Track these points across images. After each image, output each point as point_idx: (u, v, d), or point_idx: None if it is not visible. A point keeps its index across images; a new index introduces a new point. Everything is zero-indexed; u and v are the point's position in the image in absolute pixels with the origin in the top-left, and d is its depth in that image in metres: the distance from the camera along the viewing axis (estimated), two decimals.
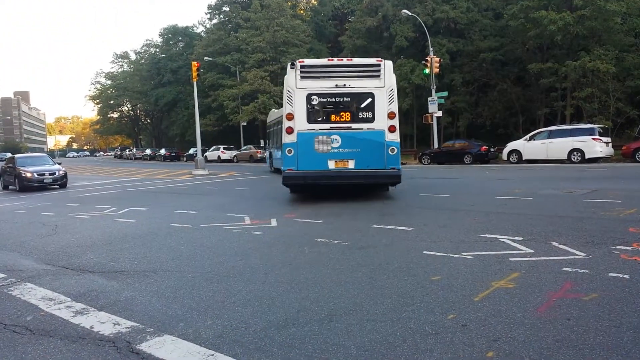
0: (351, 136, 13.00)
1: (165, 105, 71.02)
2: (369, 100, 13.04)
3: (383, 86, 13.01)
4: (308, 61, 13.69)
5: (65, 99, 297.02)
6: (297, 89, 13.15)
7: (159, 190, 20.57)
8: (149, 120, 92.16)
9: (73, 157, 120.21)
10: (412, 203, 12.41)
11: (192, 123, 45.81)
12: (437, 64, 35.55)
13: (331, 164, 13.05)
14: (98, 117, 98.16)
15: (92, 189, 22.17)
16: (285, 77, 13.43)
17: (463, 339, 4.25)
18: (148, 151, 70.89)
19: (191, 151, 55.64)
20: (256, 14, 53.45)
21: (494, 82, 41.91)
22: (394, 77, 13.27)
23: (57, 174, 23.62)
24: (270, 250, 7.84)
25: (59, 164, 25.76)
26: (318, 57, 52.12)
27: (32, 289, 6.33)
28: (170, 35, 75.77)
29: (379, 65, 13.13)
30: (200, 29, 74.27)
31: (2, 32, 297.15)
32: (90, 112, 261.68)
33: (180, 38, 75.34)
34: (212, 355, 4.18)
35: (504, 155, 28.23)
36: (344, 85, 13.08)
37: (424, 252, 7.15)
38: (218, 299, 5.58)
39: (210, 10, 65.17)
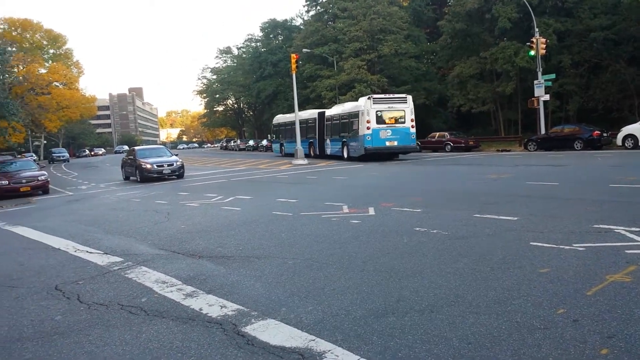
0: (396, 130, 27.78)
1: (266, 98, 72.96)
2: (402, 113, 27.89)
3: (408, 107, 28.01)
4: (376, 95, 28.35)
5: (175, 94, 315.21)
6: (371, 109, 27.69)
7: (261, 179, 21.21)
8: (251, 113, 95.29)
9: (183, 148, 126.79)
10: (517, 192, 11.87)
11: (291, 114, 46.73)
12: (544, 45, 33.59)
13: (387, 143, 27.79)
14: (205, 111, 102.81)
15: (201, 179, 23.18)
16: (364, 103, 28.14)
17: (574, 335, 4.02)
18: (251, 142, 73.30)
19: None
20: (353, 3, 53.26)
21: (606, 62, 38.89)
22: (412, 102, 28.35)
23: (174, 165, 24.27)
24: (369, 238, 7.81)
25: (176, 155, 26.65)
26: (416, 44, 51.58)
27: (146, 272, 6.75)
28: (269, 29, 77.66)
29: (406, 96, 28.54)
30: (298, 22, 75.44)
31: (117, 33, 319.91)
32: (197, 105, 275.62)
33: (279, 31, 77.01)
34: (314, 340, 4.22)
35: (619, 141, 26.38)
36: (391, 107, 27.90)
37: (531, 243, 6.80)
38: (318, 285, 5.64)
39: (307, 2, 65.87)
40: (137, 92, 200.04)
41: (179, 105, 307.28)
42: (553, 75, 34.34)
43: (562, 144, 28.51)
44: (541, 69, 33.47)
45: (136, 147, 28.40)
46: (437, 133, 38.77)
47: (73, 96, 67.15)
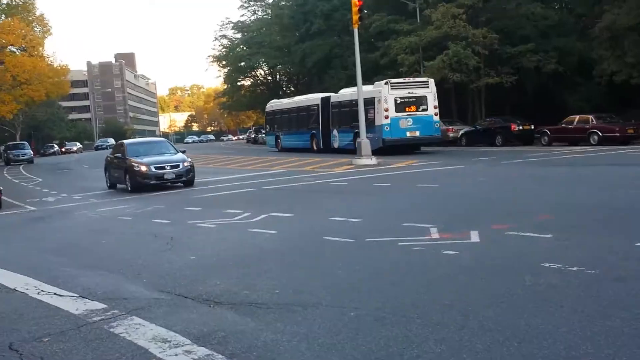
0: (417, 119, 35.37)
1: (315, 65, 73.22)
2: (425, 100, 35.68)
3: (431, 92, 36.10)
4: (394, 80, 36.63)
5: (182, 63, 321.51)
6: (389, 95, 35.01)
7: (307, 188, 21.37)
8: (292, 88, 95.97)
9: (193, 142, 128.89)
10: None
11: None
12: None
13: (408, 134, 35.34)
14: (224, 87, 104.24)
15: (219, 187, 23.58)
16: (381, 88, 35.71)
17: None
18: None
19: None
20: None
21: None
22: (435, 87, 36.45)
23: (180, 166, 24.64)
24: (471, 279, 7.76)
25: (183, 151, 27.15)
26: None
27: (140, 325, 6.82)
28: None
29: (427, 81, 36.92)
30: None
31: None
32: (214, 79, 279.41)
33: None
34: None
35: None
36: (412, 92, 35.63)
37: None
38: (394, 350, 5.58)
39: None
40: (127, 60, 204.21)
41: (187, 79, 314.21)
42: None
43: None
44: None
45: (126, 141, 28.90)
46: (577, 117, 37.73)
47: (36, 66, 66.49)
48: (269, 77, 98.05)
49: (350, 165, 29.84)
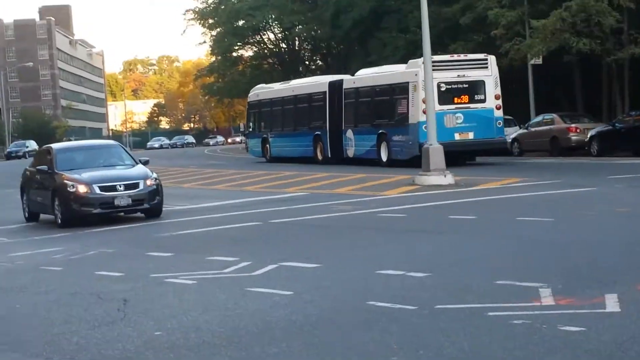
0: (470, 114, 39.85)
1: (356, 26, 73.20)
2: (481, 86, 40.19)
3: (490, 75, 40.68)
4: (437, 57, 37.55)
5: (144, 25, 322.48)
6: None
7: (341, 222, 21.33)
8: (319, 62, 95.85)
9: (161, 147, 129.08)
10: None
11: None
12: None
13: (457, 136, 39.38)
14: (212, 60, 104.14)
15: (201, 220, 23.65)
16: (417, 70, 37.82)
17: None
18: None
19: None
20: None
21: None
22: (496, 67, 41.18)
23: (141, 186, 24.53)
24: None
25: (145, 162, 27.09)
26: None
27: None
28: None
29: (486, 59, 41.62)
30: None
31: None
32: (194, 48, 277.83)
33: None
34: None
35: None
36: (463, 75, 40.00)
37: None
38: None
39: None
40: (58, 17, 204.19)
41: (152, 47, 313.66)
42: None
43: None
44: None
45: (55, 146, 29.13)
46: None
47: None
48: (283, 45, 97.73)
49: (412, 186, 29.93)
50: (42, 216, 26.21)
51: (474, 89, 38.53)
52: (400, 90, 38.10)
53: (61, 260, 17.57)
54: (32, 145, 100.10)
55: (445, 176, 30.68)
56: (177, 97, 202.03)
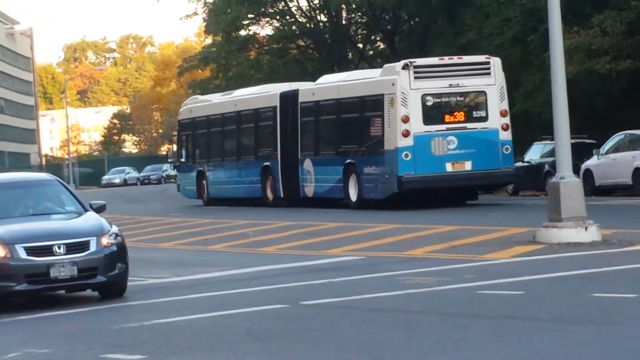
0: (467, 136, 37.87)
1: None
2: (482, 98, 38.35)
3: (494, 84, 38.26)
4: (420, 61, 39.63)
5: None
6: (412, 90, 36.22)
7: (417, 302, 17.18)
8: (380, 44, 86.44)
9: (124, 183, 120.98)
10: None
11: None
12: None
13: (449, 167, 37.76)
14: (206, 42, 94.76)
15: (190, 298, 20.29)
16: (394, 77, 36.97)
17: None
18: None
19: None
20: None
21: None
22: (502, 74, 38.57)
23: (93, 246, 19.91)
24: None
25: (99, 208, 22.57)
26: None
27: None
28: None
29: (488, 62, 39.05)
30: None
31: None
32: (179, 24, 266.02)
33: None
34: None
35: None
36: (457, 84, 38.11)
37: None
38: None
39: None
40: None
41: (110, 26, 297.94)
42: None
43: None
44: None
45: None
46: None
47: None
48: (322, 18, 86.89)
49: (532, 245, 25.26)
50: None
51: (472, 103, 35.19)
52: (372, 104, 34.90)
53: None
54: None
55: (586, 229, 24.99)
56: (150, 101, 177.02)
